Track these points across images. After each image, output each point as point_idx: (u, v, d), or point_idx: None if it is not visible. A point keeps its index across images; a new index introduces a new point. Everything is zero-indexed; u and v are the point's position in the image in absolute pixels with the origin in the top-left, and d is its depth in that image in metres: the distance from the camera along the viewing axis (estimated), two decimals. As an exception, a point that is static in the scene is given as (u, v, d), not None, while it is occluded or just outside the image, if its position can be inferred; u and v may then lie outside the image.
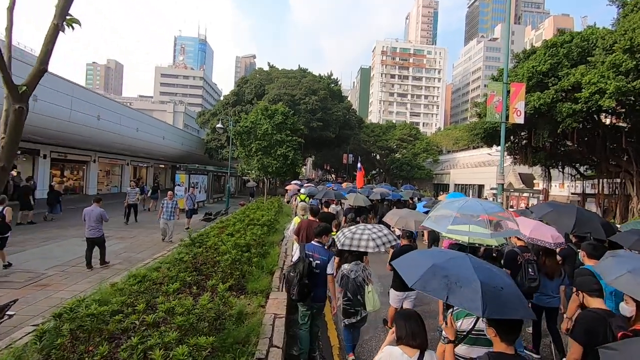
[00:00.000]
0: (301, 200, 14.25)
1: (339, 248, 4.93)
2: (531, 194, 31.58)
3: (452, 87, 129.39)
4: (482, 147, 58.44)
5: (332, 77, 46.97)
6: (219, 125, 17.39)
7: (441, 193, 45.09)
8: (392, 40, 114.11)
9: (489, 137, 19.40)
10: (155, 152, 31.39)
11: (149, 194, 20.70)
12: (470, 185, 46.93)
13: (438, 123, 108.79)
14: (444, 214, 4.71)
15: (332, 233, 6.96)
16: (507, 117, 13.04)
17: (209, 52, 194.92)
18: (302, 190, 17.37)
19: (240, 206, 21.58)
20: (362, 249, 4.62)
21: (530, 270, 4.73)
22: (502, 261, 5.19)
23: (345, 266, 4.47)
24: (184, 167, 19.36)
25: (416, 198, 18.63)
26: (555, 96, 14.17)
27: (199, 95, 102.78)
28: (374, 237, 4.75)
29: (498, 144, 22.14)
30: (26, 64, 16.25)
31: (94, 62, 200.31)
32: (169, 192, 11.59)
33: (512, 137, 21.42)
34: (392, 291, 5.10)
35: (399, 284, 4.86)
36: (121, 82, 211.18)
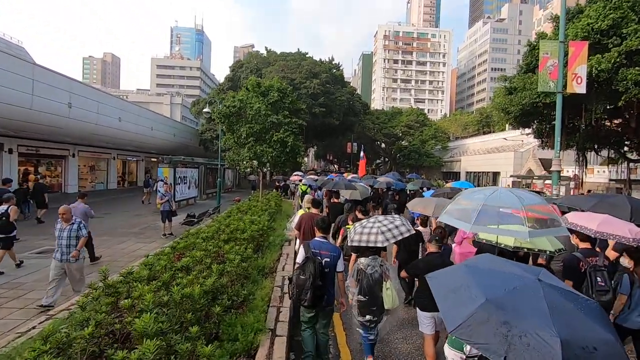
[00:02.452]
0: (302, 192, 14.47)
1: (349, 244, 4.71)
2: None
3: (457, 71, 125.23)
4: (494, 131, 55.46)
5: (333, 62, 43.89)
6: (206, 109, 14.70)
7: (447, 181, 42.35)
8: (395, 24, 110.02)
9: (526, 116, 16.46)
10: (144, 144, 28.75)
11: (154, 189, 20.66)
12: (484, 172, 44.08)
13: (443, 109, 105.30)
14: (465, 206, 4.12)
15: (348, 226, 6.30)
16: (564, 86, 10.27)
17: (206, 43, 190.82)
18: (304, 181, 16.77)
19: (235, 202, 19.02)
20: (371, 244, 4.22)
21: (599, 279, 3.79)
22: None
23: (362, 260, 4.15)
24: (168, 159, 16.73)
25: (425, 188, 16.52)
26: (618, 60, 11.33)
27: (196, 86, 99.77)
28: (384, 229, 4.36)
29: (531, 126, 19.27)
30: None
31: (90, 56, 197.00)
32: (62, 210, 5.84)
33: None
34: (418, 312, 4.07)
35: (428, 303, 3.70)
36: (119, 76, 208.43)
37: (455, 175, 50.05)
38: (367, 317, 3.94)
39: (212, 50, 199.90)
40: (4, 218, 7.30)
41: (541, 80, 10.18)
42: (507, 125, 51.87)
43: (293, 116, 11.71)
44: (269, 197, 12.00)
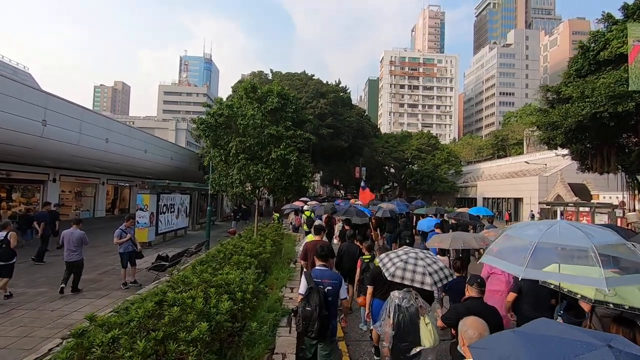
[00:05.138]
0: (307, 217, 14.33)
1: (389, 279, 3.99)
2: (593, 209, 25.49)
3: (464, 96, 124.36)
4: (510, 155, 52.68)
5: (340, 86, 42.16)
6: (193, 125, 12.46)
7: (458, 207, 39.24)
8: (401, 50, 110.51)
9: (580, 131, 13.62)
10: (137, 168, 26.39)
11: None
12: (504, 199, 40.88)
13: (452, 133, 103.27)
14: (513, 245, 3.40)
15: (365, 256, 5.67)
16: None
17: (214, 71, 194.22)
18: (306, 207, 16.56)
19: (229, 235, 16.24)
20: (416, 284, 3.75)
21: None
22: None
23: (396, 294, 3.74)
24: (150, 184, 14.20)
25: (439, 215, 15.61)
26: None
27: (202, 112, 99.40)
28: (430, 270, 3.87)
29: (578, 144, 16.46)
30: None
31: (101, 85, 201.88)
32: None
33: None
34: None
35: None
36: (128, 103, 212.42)
37: (471, 202, 46.81)
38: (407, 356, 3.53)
39: (220, 79, 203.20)
40: (4, 245, 7.13)
41: (633, 76, 7.57)
42: (525, 148, 49.29)
43: (297, 128, 9.19)
44: (266, 233, 9.21)
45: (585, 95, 11.56)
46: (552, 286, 3.62)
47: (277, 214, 17.69)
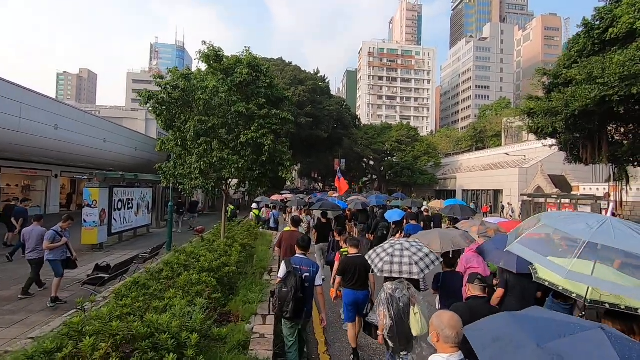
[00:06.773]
0: (256, 216, 14.72)
1: (377, 274, 4.18)
2: (575, 200, 25.22)
3: (441, 89, 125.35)
4: (488, 147, 52.92)
5: (318, 75, 40.42)
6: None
7: (428, 199, 38.82)
8: (379, 41, 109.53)
9: (583, 117, 12.54)
10: (95, 159, 23.77)
11: None
12: (483, 190, 40.73)
13: (429, 126, 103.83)
14: (554, 238, 3.11)
15: (343, 249, 5.73)
16: None
17: (187, 60, 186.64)
18: (254, 205, 16.23)
19: (196, 234, 14.43)
20: (404, 275, 3.90)
21: None
22: None
23: (389, 285, 3.85)
24: (99, 176, 12.17)
25: (415, 208, 15.63)
26: None
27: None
28: (416, 259, 4.01)
29: (576, 132, 15.53)
30: None
31: (65, 72, 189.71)
32: None
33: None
34: None
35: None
36: (95, 92, 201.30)
37: (450, 194, 46.61)
38: (401, 351, 3.68)
39: (193, 67, 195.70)
40: None
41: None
42: (503, 140, 49.53)
43: (273, 107, 7.56)
44: (236, 234, 7.56)
45: (593, 77, 10.47)
46: (546, 283, 3.46)
47: (232, 206, 16.31)
